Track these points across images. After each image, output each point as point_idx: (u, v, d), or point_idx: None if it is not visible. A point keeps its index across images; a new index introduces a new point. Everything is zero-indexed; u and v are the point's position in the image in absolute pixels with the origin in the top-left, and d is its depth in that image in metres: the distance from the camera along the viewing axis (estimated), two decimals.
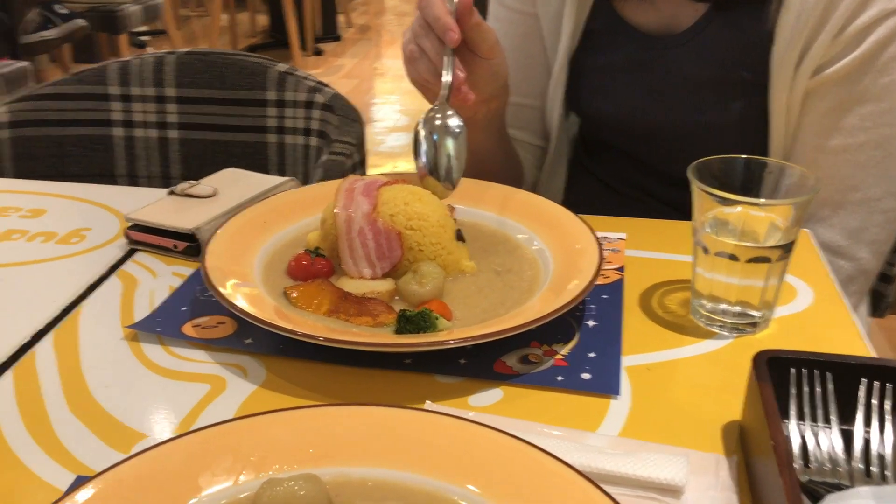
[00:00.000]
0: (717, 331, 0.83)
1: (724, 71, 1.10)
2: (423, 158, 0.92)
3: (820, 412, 0.66)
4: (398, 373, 0.77)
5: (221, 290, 0.78)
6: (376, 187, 0.86)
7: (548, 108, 1.26)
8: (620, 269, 0.95)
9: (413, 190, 0.87)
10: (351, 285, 0.83)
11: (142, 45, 5.79)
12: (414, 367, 0.77)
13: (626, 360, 0.79)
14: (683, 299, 0.88)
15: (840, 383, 0.66)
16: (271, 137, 1.61)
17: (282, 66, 1.59)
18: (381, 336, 0.76)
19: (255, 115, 1.60)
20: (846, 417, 0.65)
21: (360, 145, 1.44)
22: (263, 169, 1.64)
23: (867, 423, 0.65)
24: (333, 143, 1.43)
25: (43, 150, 1.61)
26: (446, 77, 0.94)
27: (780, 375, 0.67)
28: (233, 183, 1.08)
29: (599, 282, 0.91)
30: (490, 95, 1.06)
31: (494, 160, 1.20)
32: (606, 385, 0.75)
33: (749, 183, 0.83)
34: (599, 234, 1.00)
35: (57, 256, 0.99)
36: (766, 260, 0.79)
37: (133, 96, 1.64)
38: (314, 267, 0.85)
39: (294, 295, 0.81)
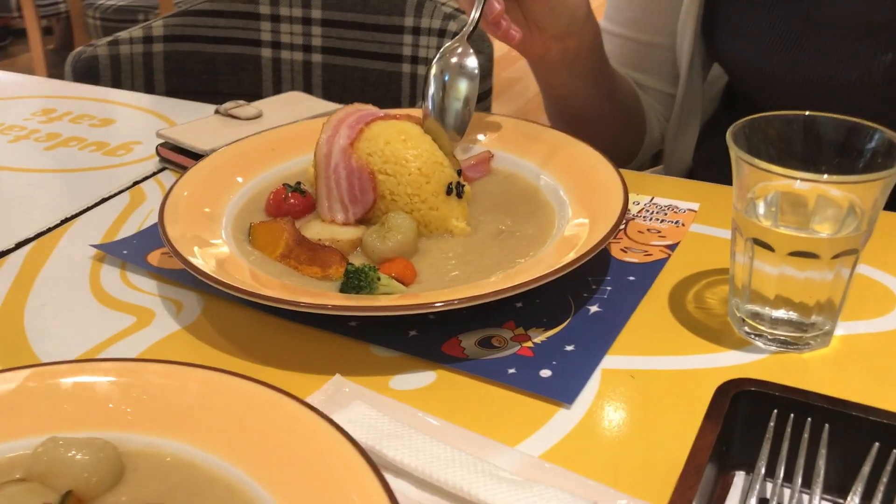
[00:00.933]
0: (754, 341, 0.64)
1: (879, 10, 0.84)
2: (430, 102, 0.78)
3: (801, 473, 0.46)
4: (336, 336, 0.65)
5: (167, 224, 0.70)
6: (366, 120, 0.74)
7: (677, 44, 1.05)
8: (672, 246, 0.76)
9: (403, 129, 0.74)
10: (315, 229, 0.72)
11: None
12: (357, 332, 0.66)
13: (611, 361, 0.62)
14: None
15: (842, 440, 0.46)
16: (405, 67, 1.52)
17: None
18: (315, 293, 0.65)
19: (393, 43, 1.52)
20: (839, 487, 0.46)
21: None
22: (396, 100, 1.56)
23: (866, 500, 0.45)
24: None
25: (195, 66, 1.63)
26: (475, 11, 0.78)
27: (760, 415, 0.48)
28: (284, 105, 1.00)
29: (634, 259, 0.74)
30: (561, 32, 0.88)
31: (592, 107, 1.01)
32: (561, 389, 0.59)
33: (820, 148, 0.62)
34: (664, 202, 0.81)
35: (97, 167, 0.97)
36: (812, 256, 0.58)
37: (282, 17, 1.61)
38: (286, 203, 0.75)
39: (254, 233, 0.72)
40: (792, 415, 0.47)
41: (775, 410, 0.47)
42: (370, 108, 0.78)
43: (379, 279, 0.64)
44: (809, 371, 0.61)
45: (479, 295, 0.60)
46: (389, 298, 0.63)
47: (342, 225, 0.73)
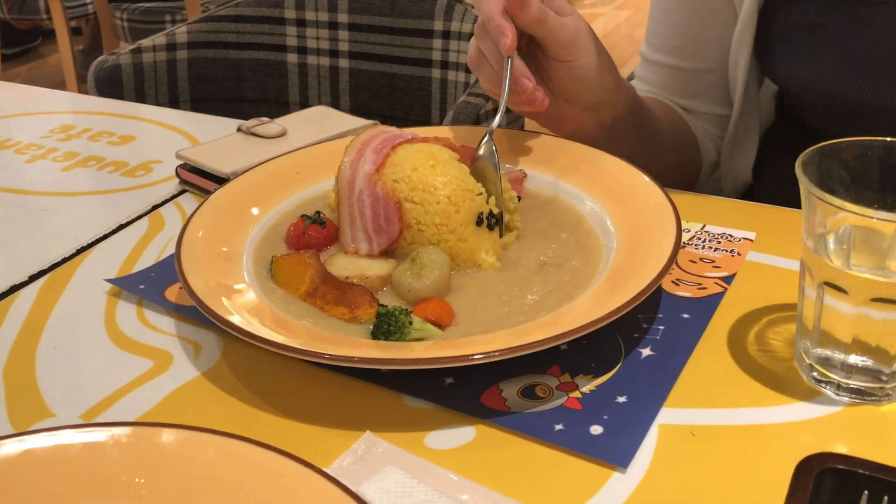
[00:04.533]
0: (824, 390, 0.58)
1: None
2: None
3: None
4: (365, 384, 0.60)
5: (186, 271, 0.65)
6: (393, 144, 0.68)
7: (731, 67, 0.98)
8: (728, 279, 0.70)
9: (432, 153, 0.68)
10: (341, 264, 0.67)
11: None
12: (388, 379, 0.60)
13: (667, 415, 0.56)
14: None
15: None
16: (435, 72, 1.47)
17: None
18: (343, 340, 0.60)
19: (422, 47, 1.46)
20: None
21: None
22: (426, 106, 1.50)
23: None
24: (478, 82, 1.25)
25: (220, 72, 1.59)
26: (503, 96, 0.73)
27: (848, 497, 0.42)
28: (310, 123, 0.95)
29: (688, 294, 0.68)
30: (593, 103, 0.81)
31: (639, 155, 0.94)
32: (615, 450, 0.53)
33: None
34: (717, 230, 0.76)
35: (115, 189, 0.93)
36: (891, 302, 0.52)
37: (307, 21, 1.56)
38: (305, 235, 0.70)
39: (275, 268, 0.67)
40: (886, 497, 0.41)
41: (866, 491, 0.41)
42: (395, 130, 0.73)
43: (411, 323, 0.59)
44: (891, 427, 0.55)
45: (521, 345, 0.55)
46: (424, 348, 0.58)
47: (367, 257, 0.68)
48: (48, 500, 0.46)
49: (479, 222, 0.67)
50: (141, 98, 1.47)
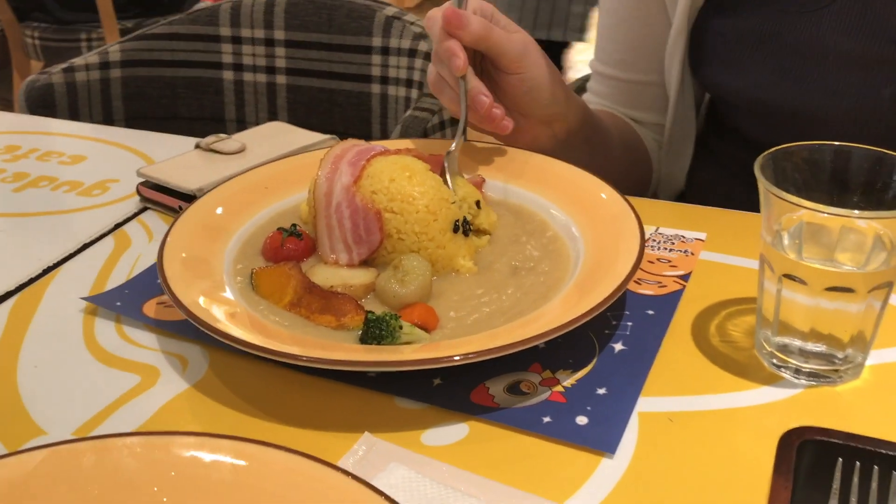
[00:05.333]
0: (785, 375, 0.63)
1: (876, 45, 0.84)
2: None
3: None
4: (355, 388, 0.63)
5: (166, 270, 0.66)
6: (367, 156, 0.71)
7: (665, 77, 1.04)
8: (685, 277, 0.75)
9: (407, 165, 0.71)
10: (324, 274, 0.69)
11: None
12: (377, 383, 0.63)
13: (645, 403, 0.60)
14: (754, 327, 0.68)
15: None
16: (375, 87, 1.49)
17: (390, 10, 1.45)
18: (335, 346, 0.62)
19: (360, 63, 1.49)
20: None
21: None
22: (366, 121, 1.53)
23: None
24: (423, 97, 1.29)
25: (154, 90, 1.57)
26: (462, 114, 0.78)
27: (824, 465, 0.47)
28: (268, 138, 0.97)
29: (650, 291, 0.72)
30: (546, 115, 0.86)
31: (593, 164, 0.99)
32: (602, 438, 0.57)
33: (848, 178, 0.61)
34: (669, 232, 0.80)
35: (72, 209, 0.92)
36: (848, 290, 0.57)
37: (244, 38, 1.57)
38: (284, 248, 0.71)
39: (257, 280, 0.69)
40: (858, 463, 0.46)
41: (840, 459, 0.46)
42: (367, 144, 0.76)
43: (401, 328, 0.62)
44: (846, 405, 0.60)
45: (511, 343, 0.58)
46: (416, 350, 0.61)
47: (347, 267, 0.70)
48: None
49: (455, 229, 0.70)
50: (74, 117, 1.45)
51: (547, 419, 0.59)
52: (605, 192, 0.76)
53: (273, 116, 1.59)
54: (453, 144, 0.80)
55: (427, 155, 0.77)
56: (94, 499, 0.47)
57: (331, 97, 1.54)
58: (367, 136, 1.50)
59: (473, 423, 0.59)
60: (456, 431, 0.59)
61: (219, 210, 0.76)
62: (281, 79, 1.57)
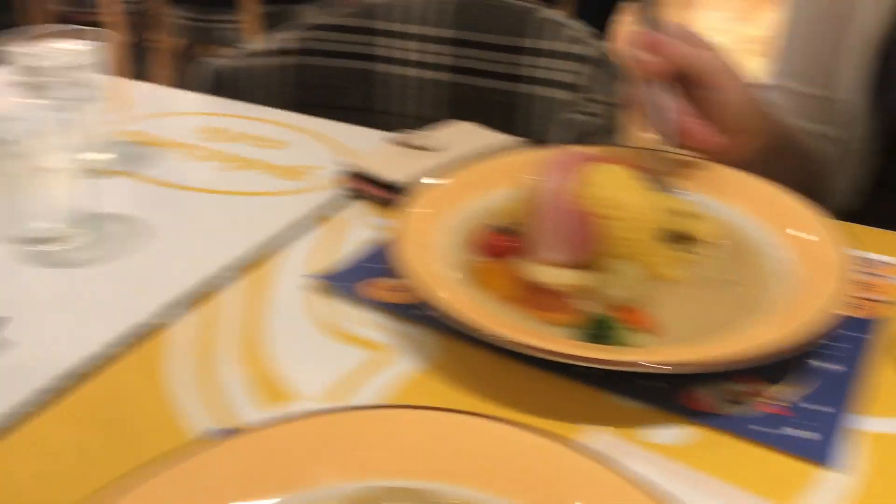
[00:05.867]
0: None
1: None
2: None
3: None
4: (567, 381, 0.67)
5: (407, 258, 0.72)
6: (584, 162, 0.75)
7: (849, 95, 1.04)
8: (885, 301, 0.76)
9: (620, 172, 0.75)
10: (539, 271, 0.73)
11: None
12: (584, 377, 0.67)
13: (868, 423, 0.63)
14: None
15: None
16: (523, 87, 1.53)
17: (546, 12, 1.49)
18: (567, 343, 0.67)
19: (508, 63, 1.53)
20: None
21: (619, 107, 1.30)
22: (510, 122, 1.56)
23: None
24: (587, 101, 1.31)
25: (324, 80, 1.65)
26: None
27: None
28: (459, 137, 1.02)
29: (853, 313, 0.74)
30: (749, 134, 0.89)
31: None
32: (832, 453, 0.60)
33: None
34: (860, 254, 0.82)
35: (276, 191, 0.99)
36: None
37: (411, 35, 1.63)
38: (500, 244, 0.76)
39: (477, 274, 0.74)
40: None
41: None
42: (580, 150, 0.80)
43: (625, 330, 0.66)
44: None
45: (757, 355, 0.62)
46: (667, 353, 0.65)
47: (562, 267, 0.74)
48: (351, 472, 0.53)
49: (664, 238, 0.74)
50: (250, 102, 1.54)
51: (772, 430, 0.62)
52: (800, 208, 0.80)
53: (436, 113, 1.64)
54: (662, 155, 0.83)
55: (639, 164, 0.80)
56: (379, 462, 0.53)
57: (489, 96, 1.58)
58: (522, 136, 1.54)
59: (698, 428, 0.63)
60: (679, 434, 0.62)
61: (440, 204, 0.82)
62: (444, 76, 1.62)
